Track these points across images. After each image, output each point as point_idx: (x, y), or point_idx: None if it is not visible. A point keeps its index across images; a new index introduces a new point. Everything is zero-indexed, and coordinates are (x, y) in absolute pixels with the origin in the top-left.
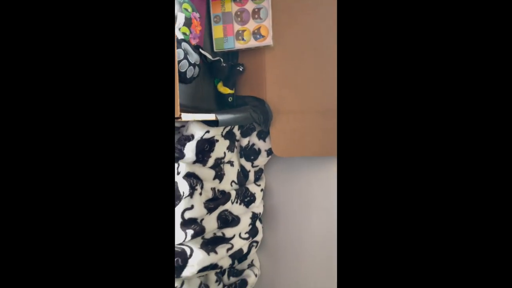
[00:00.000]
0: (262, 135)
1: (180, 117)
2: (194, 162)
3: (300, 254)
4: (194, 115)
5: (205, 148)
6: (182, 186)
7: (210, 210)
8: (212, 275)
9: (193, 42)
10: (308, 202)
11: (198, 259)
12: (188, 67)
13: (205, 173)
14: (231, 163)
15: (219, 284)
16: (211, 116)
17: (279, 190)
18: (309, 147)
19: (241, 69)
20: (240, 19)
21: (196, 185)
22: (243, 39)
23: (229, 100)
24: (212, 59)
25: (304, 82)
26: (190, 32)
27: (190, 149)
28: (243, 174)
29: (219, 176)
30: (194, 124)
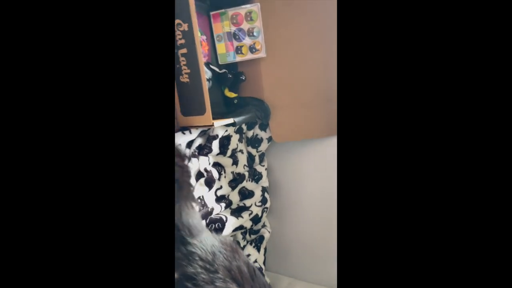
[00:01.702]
0: (263, 127)
1: (213, 125)
2: (218, 154)
3: (296, 214)
4: (220, 121)
5: (224, 143)
6: (214, 173)
7: (233, 188)
8: (239, 234)
9: (204, 60)
10: (300, 175)
11: (231, 223)
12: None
13: (226, 161)
14: (241, 151)
15: (244, 240)
16: (230, 120)
17: (278, 168)
18: (300, 132)
19: (243, 78)
20: (238, 37)
21: (222, 171)
22: (241, 53)
23: (235, 102)
24: (219, 71)
25: (292, 82)
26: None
27: (216, 145)
28: (250, 159)
29: (235, 162)
30: (217, 126)
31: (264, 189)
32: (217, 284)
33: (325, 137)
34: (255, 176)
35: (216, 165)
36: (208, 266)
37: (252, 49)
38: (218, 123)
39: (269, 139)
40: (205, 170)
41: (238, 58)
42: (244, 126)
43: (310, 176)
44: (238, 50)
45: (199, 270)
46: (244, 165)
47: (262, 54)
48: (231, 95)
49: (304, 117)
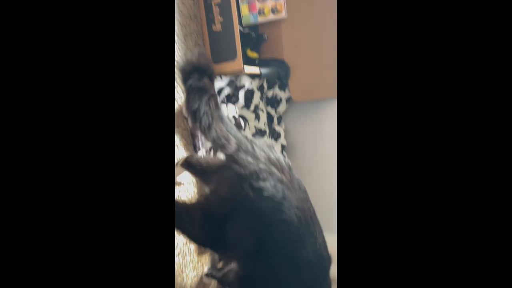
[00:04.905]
0: (283, 87)
1: (243, 69)
2: (243, 107)
3: (310, 172)
4: (249, 67)
5: (249, 96)
6: (242, 121)
7: None
8: None
9: None
10: (314, 137)
11: None
12: None
13: (249, 115)
14: (261, 110)
15: None
16: (256, 70)
17: (295, 131)
18: (318, 92)
19: (265, 37)
20: None
21: (246, 123)
22: (263, 13)
23: (256, 62)
24: (243, 32)
25: (311, 44)
26: None
27: (242, 96)
28: (269, 119)
29: (258, 117)
30: (244, 77)
31: (283, 147)
32: (261, 166)
33: None
34: (274, 135)
35: (242, 117)
36: (249, 153)
37: (273, 10)
38: (248, 68)
39: (288, 100)
40: (233, 117)
41: (260, 19)
42: (265, 85)
43: (324, 138)
44: (260, 11)
45: (243, 156)
46: (265, 122)
47: (283, 15)
48: (253, 55)
49: (322, 78)
